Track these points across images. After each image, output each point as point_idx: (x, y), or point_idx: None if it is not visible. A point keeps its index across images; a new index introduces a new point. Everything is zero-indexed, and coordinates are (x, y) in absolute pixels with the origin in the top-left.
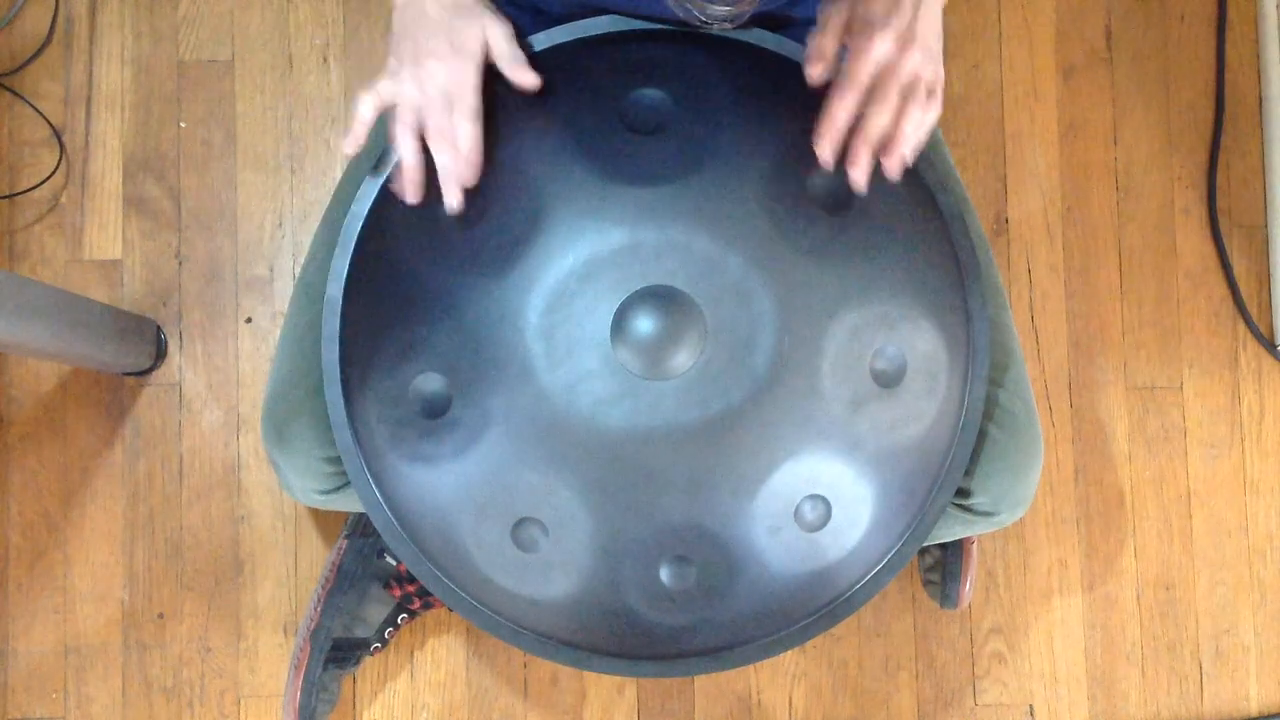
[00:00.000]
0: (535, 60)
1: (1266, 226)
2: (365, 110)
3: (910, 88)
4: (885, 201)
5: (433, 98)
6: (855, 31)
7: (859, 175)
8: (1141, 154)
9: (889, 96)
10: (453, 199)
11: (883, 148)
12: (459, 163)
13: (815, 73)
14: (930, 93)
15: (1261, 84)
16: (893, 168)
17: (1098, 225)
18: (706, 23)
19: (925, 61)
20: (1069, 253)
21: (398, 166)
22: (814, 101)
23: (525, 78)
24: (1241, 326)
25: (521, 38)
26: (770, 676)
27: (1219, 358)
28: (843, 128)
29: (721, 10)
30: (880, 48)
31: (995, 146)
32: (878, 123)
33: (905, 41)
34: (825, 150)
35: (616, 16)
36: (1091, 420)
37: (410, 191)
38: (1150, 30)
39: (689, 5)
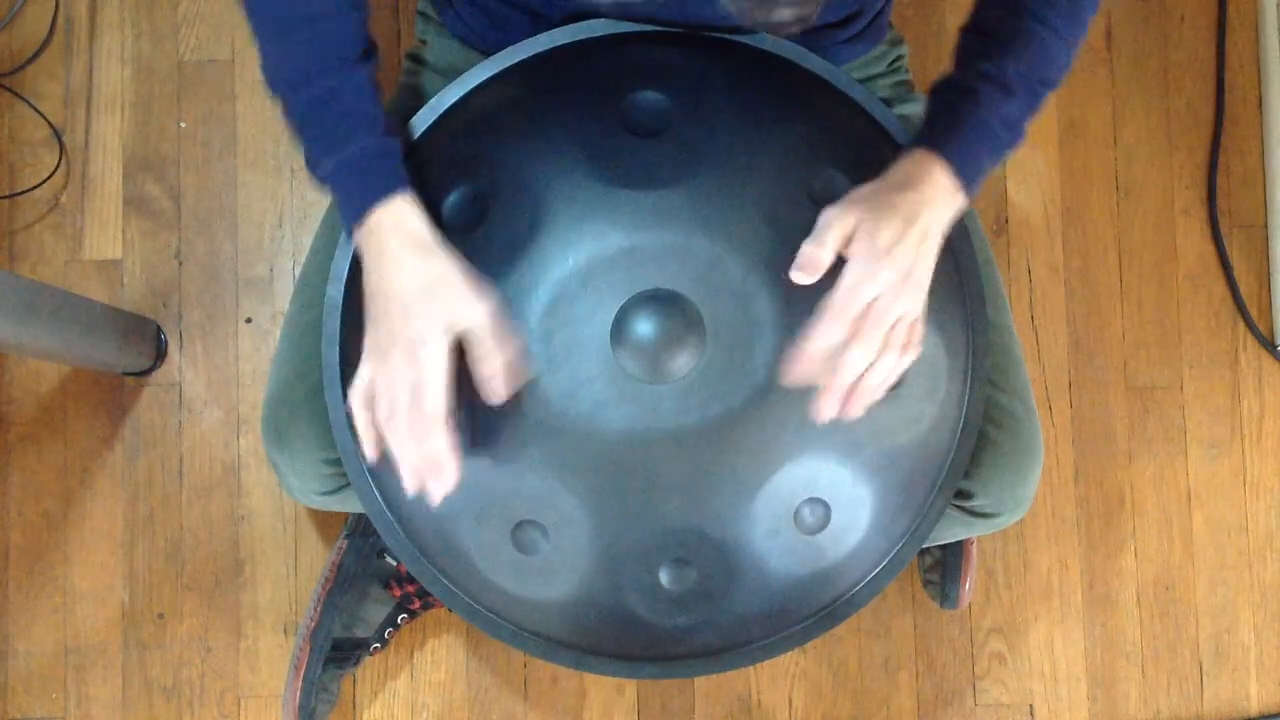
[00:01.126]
0: (536, 63)
1: (1266, 226)
2: (356, 409)
3: (893, 329)
4: None
5: (396, 392)
6: (855, 253)
7: (824, 413)
8: (1141, 154)
9: (871, 340)
10: (412, 491)
11: (848, 390)
12: (424, 462)
13: (805, 278)
14: (908, 340)
15: (1261, 84)
16: (850, 412)
17: (1098, 225)
18: (768, 29)
19: (914, 302)
20: (1069, 253)
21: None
22: (814, 103)
23: (491, 384)
24: (1241, 326)
25: (505, 318)
26: (770, 677)
27: (1219, 358)
28: (818, 360)
29: (788, 14)
30: (876, 287)
31: None
32: (852, 369)
33: (903, 279)
34: (793, 375)
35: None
36: (1091, 420)
37: (370, 451)
38: (1150, 30)
39: (754, 14)
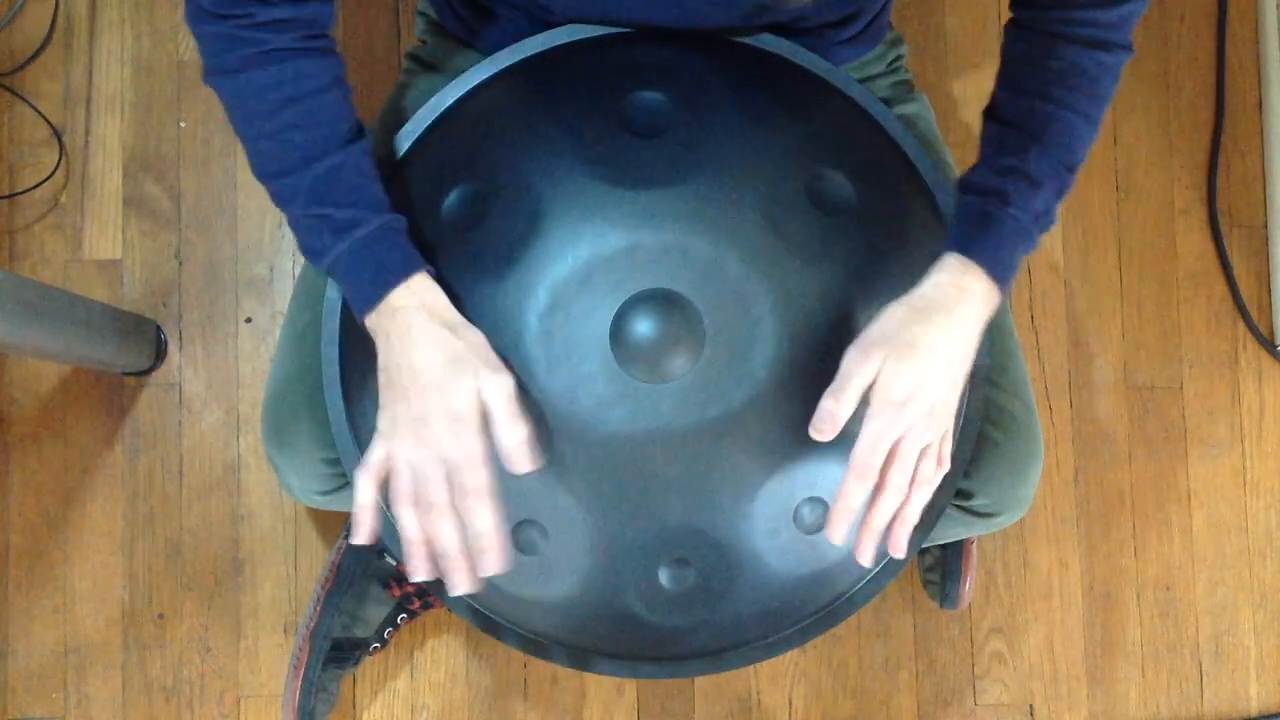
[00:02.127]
0: (535, 63)
1: (1266, 226)
2: (364, 494)
3: (922, 459)
4: (885, 204)
5: (433, 470)
6: (875, 405)
7: (864, 560)
8: (1141, 154)
9: (898, 485)
10: (462, 587)
11: (887, 527)
12: (478, 544)
13: (823, 437)
14: (938, 460)
15: (1261, 84)
16: (895, 550)
17: (1098, 225)
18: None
19: (939, 429)
20: (1069, 253)
21: (403, 542)
22: (813, 103)
23: (518, 454)
24: (1241, 326)
25: (516, 380)
26: (770, 677)
27: (1219, 358)
28: (858, 512)
29: None
30: (897, 433)
31: None
32: (885, 512)
33: (926, 417)
34: (838, 536)
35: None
36: (1091, 420)
37: (421, 569)
38: (1150, 30)
39: None
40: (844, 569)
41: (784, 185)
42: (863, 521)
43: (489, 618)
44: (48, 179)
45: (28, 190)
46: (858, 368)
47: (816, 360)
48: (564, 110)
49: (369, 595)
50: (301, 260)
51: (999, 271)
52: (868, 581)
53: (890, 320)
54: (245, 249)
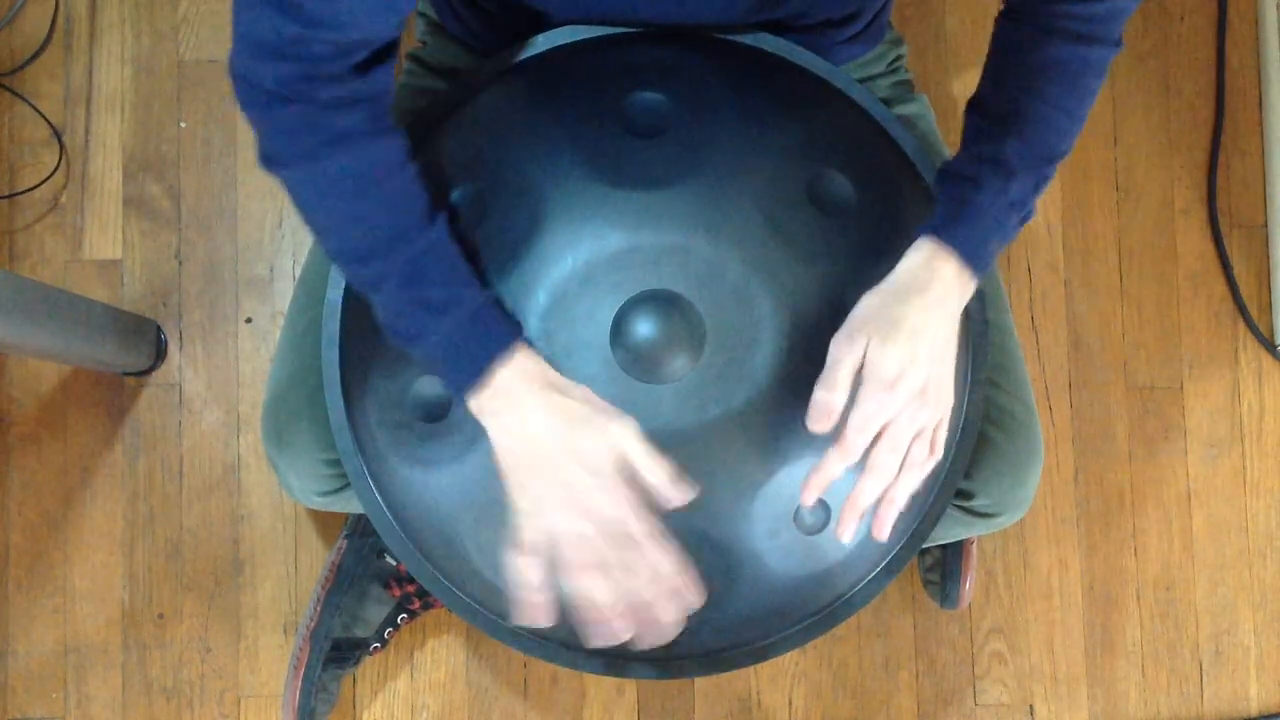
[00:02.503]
0: (535, 64)
1: (1266, 226)
2: (531, 574)
3: (914, 443)
4: (885, 204)
5: (600, 532)
6: (864, 387)
7: (845, 537)
8: (1141, 154)
9: (885, 469)
10: (671, 632)
11: (875, 507)
12: (672, 586)
13: (821, 428)
14: (931, 446)
15: (1261, 84)
16: (879, 534)
17: (1098, 225)
18: None
19: (934, 414)
20: (1069, 253)
21: (588, 611)
22: (813, 103)
23: (672, 490)
24: (1241, 326)
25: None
26: (770, 677)
27: (1219, 358)
28: (833, 481)
29: None
30: (887, 415)
31: None
32: (870, 493)
33: (917, 398)
34: (810, 498)
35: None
36: (1091, 420)
37: (622, 630)
38: (1150, 30)
39: None
40: (844, 569)
41: (784, 185)
42: (848, 499)
43: (489, 618)
44: (48, 179)
45: (28, 190)
46: (845, 353)
47: (816, 361)
48: (564, 111)
49: (369, 595)
50: (302, 260)
51: (971, 257)
52: (868, 582)
53: (869, 305)
54: (245, 249)
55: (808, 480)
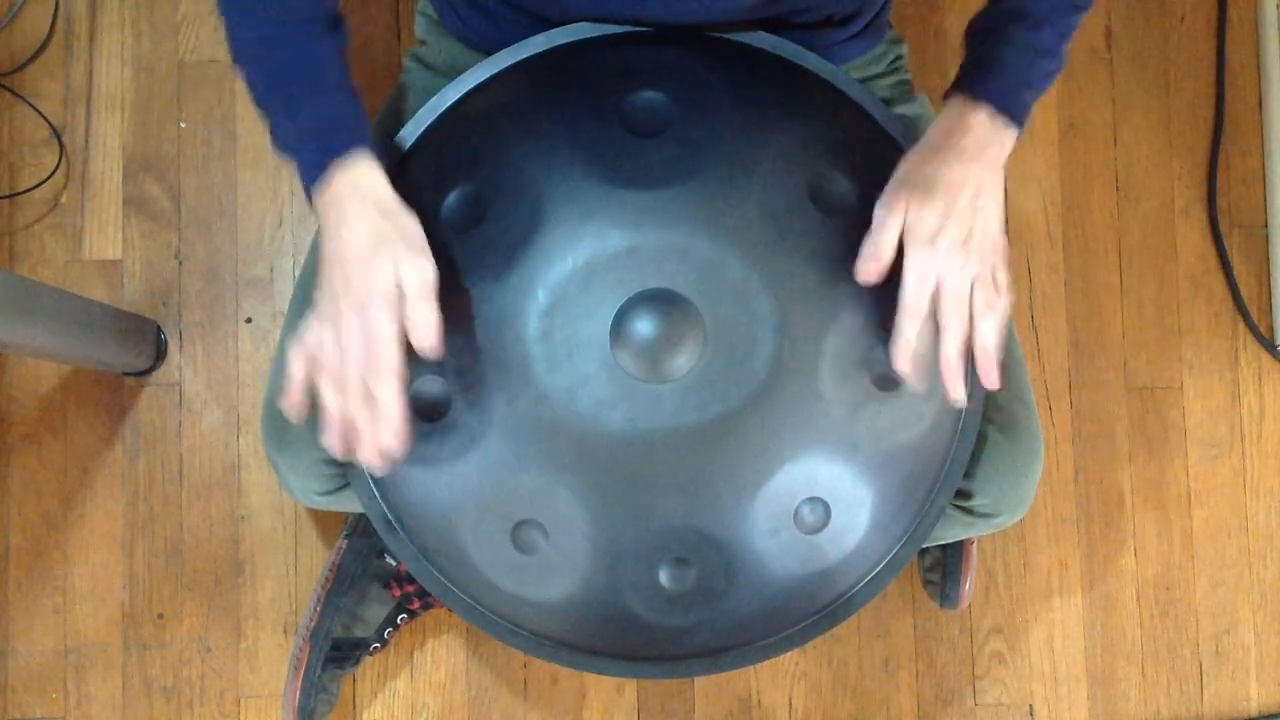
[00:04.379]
0: (535, 63)
1: (1266, 226)
2: (295, 367)
3: (975, 296)
4: None
5: (348, 352)
6: (909, 247)
7: (956, 395)
8: (1141, 154)
9: (955, 318)
10: (373, 460)
11: (972, 360)
12: (378, 427)
13: (869, 274)
14: (996, 288)
15: (1261, 84)
16: (989, 382)
17: (1098, 225)
18: None
19: (985, 260)
20: (1069, 253)
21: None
22: (813, 103)
23: (422, 333)
24: (1241, 326)
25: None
26: (770, 677)
27: (1219, 358)
28: (917, 344)
29: None
30: (937, 270)
31: None
32: (953, 349)
33: (963, 246)
34: (908, 370)
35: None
36: (1091, 420)
37: (335, 444)
38: (1150, 30)
39: None
40: (844, 569)
41: (784, 185)
42: (942, 364)
43: (489, 618)
44: (48, 179)
45: (28, 190)
46: (886, 217)
47: (816, 360)
48: (564, 110)
49: (369, 595)
50: (301, 261)
51: (1004, 106)
52: (868, 582)
53: (906, 167)
54: (245, 249)
55: (895, 354)
